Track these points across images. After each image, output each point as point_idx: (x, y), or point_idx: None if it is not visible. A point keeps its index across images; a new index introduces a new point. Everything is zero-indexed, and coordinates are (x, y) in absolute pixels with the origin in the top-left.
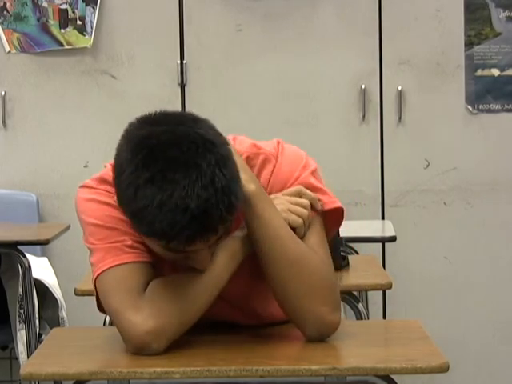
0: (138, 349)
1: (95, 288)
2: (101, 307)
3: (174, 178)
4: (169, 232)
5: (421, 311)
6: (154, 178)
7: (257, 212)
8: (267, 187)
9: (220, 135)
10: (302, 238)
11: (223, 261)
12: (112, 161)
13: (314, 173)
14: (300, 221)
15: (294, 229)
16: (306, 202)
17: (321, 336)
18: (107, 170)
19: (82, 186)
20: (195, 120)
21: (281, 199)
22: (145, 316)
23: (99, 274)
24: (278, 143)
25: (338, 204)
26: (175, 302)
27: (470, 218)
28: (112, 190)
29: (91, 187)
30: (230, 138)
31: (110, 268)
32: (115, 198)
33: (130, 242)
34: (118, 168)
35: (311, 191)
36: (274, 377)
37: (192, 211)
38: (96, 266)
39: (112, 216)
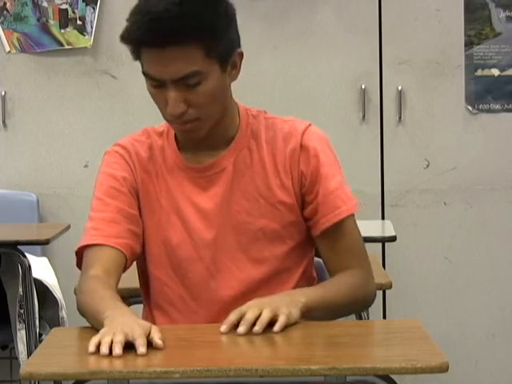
0: None
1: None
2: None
3: None
4: (136, 32)
5: (421, 311)
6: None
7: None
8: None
9: None
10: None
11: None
12: None
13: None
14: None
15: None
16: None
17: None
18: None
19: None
20: None
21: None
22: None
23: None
24: None
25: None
26: None
27: (470, 217)
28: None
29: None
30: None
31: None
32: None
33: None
34: None
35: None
36: (273, 377)
37: (152, 13)
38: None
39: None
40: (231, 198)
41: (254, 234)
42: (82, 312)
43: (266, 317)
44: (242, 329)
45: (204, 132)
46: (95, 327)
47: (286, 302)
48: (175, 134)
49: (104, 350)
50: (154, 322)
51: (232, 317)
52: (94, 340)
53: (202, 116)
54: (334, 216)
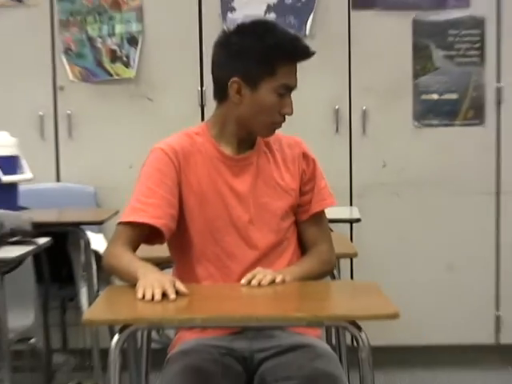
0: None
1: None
2: None
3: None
4: (294, 43)
5: (379, 276)
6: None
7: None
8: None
9: None
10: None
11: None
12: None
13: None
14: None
15: None
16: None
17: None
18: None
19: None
20: None
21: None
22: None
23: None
24: None
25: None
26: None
27: (416, 205)
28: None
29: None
30: None
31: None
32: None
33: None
34: (234, 51)
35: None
36: (269, 321)
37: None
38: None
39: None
40: (256, 185)
41: (273, 212)
42: (111, 270)
43: (269, 277)
44: (254, 282)
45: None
46: (126, 281)
47: (277, 273)
48: (212, 134)
49: (148, 296)
50: (195, 275)
51: (249, 276)
52: (140, 291)
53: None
54: (322, 204)
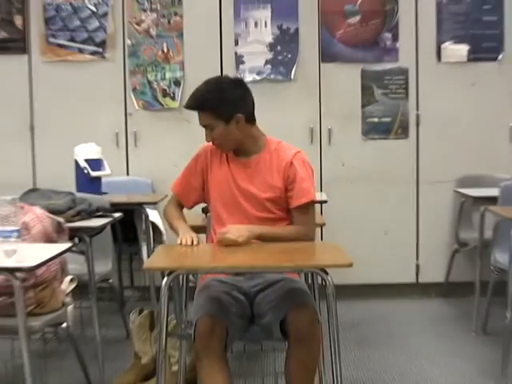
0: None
1: None
2: None
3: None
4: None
5: (340, 239)
6: None
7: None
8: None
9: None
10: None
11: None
12: None
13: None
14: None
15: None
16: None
17: None
18: None
19: None
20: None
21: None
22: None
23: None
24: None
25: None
26: None
27: (365, 191)
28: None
29: None
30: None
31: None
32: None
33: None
34: None
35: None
36: (267, 268)
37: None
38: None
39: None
40: (255, 180)
41: (263, 200)
42: (165, 217)
43: (231, 238)
44: (219, 236)
45: (227, 150)
46: (170, 227)
47: (247, 230)
48: None
49: (183, 243)
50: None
51: (223, 229)
52: (180, 240)
53: (219, 143)
54: (300, 200)
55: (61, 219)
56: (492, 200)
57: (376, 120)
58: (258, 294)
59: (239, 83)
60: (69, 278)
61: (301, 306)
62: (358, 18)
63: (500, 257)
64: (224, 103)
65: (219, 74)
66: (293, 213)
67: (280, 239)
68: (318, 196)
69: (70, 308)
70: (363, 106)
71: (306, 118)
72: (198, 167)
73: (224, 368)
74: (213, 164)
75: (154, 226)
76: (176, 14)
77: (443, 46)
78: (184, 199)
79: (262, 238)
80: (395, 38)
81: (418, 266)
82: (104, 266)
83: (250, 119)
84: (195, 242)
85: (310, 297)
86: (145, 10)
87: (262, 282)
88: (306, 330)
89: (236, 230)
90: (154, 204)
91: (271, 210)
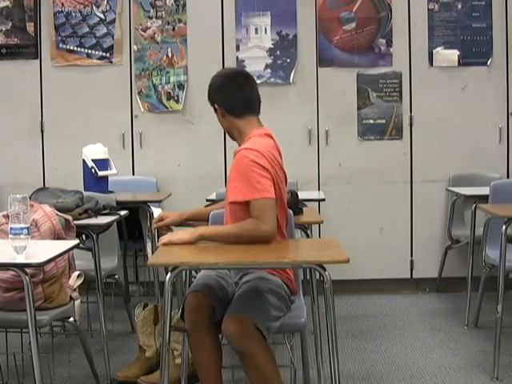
0: None
1: None
2: None
3: None
4: None
5: (337, 235)
6: None
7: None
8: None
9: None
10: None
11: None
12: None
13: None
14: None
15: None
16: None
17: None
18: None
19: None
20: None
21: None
22: None
23: None
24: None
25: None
26: None
27: (360, 190)
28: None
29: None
30: (264, 130)
31: None
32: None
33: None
34: None
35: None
36: (263, 264)
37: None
38: None
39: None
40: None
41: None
42: None
43: (172, 239)
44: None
45: (230, 137)
46: None
47: (187, 233)
48: None
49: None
50: None
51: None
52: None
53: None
54: (229, 198)
55: (69, 217)
56: (483, 198)
57: (371, 122)
58: (241, 286)
59: (232, 76)
60: (76, 273)
61: (233, 314)
62: (353, 24)
63: (491, 253)
64: (209, 90)
65: None
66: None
67: (224, 237)
68: (316, 194)
69: (77, 303)
70: (359, 108)
71: (304, 119)
72: None
73: (213, 342)
74: None
75: None
76: (180, 21)
77: (435, 51)
78: None
79: (207, 238)
80: (389, 43)
81: (412, 262)
82: (110, 262)
83: (233, 111)
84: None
85: (261, 305)
86: (150, 18)
87: (249, 280)
88: (233, 339)
89: (179, 234)
90: (158, 202)
91: (236, 212)
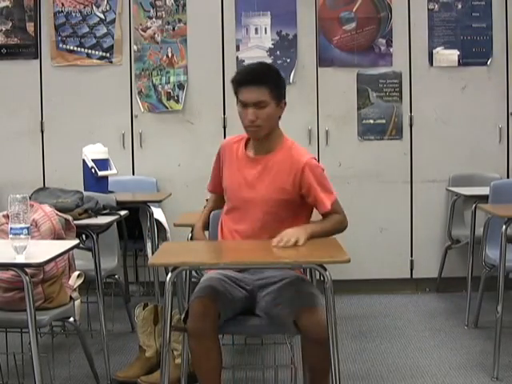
0: None
1: None
2: None
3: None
4: (240, 74)
5: (338, 236)
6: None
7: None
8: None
9: None
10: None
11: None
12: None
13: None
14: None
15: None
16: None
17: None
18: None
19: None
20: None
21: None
22: None
23: None
24: None
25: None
26: None
27: (360, 190)
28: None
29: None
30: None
31: None
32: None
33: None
34: None
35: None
36: (263, 264)
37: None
38: None
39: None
40: (265, 179)
41: (270, 200)
42: None
43: (293, 240)
44: (281, 244)
45: (261, 135)
46: None
47: (300, 233)
48: (245, 142)
49: None
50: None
51: (278, 238)
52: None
53: (260, 125)
54: (326, 204)
55: (69, 217)
56: (483, 198)
57: (371, 122)
58: (262, 288)
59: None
60: (76, 273)
61: (311, 307)
62: (353, 24)
63: (491, 253)
64: (281, 84)
65: (221, 78)
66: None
67: (328, 233)
68: None
69: (77, 303)
70: (359, 108)
71: (304, 119)
72: (217, 164)
73: (215, 348)
74: (225, 160)
75: (159, 224)
76: (180, 21)
77: (435, 51)
78: (218, 192)
79: (314, 235)
80: (389, 43)
81: (412, 262)
82: (110, 262)
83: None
84: None
85: (319, 297)
86: (150, 18)
87: (267, 277)
88: (315, 332)
89: (292, 233)
90: (158, 202)
91: (275, 211)
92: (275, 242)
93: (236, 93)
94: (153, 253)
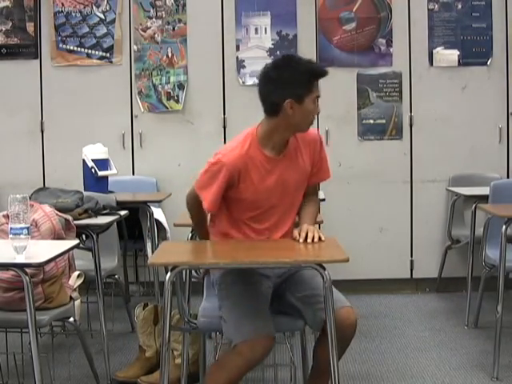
0: None
1: None
2: None
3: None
4: (315, 67)
5: (337, 235)
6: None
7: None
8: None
9: None
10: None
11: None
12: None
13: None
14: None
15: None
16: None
17: None
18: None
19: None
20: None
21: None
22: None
23: None
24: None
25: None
26: None
27: (360, 190)
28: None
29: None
30: None
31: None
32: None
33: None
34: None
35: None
36: (263, 263)
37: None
38: None
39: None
40: (285, 175)
41: (300, 185)
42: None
43: (317, 235)
44: (309, 240)
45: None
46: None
47: (316, 229)
48: (257, 141)
49: None
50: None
51: (302, 234)
52: None
53: None
54: (325, 175)
55: (69, 217)
56: (483, 198)
57: (371, 122)
58: (284, 281)
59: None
60: (76, 273)
61: (346, 306)
62: (353, 24)
63: (491, 253)
64: (274, 88)
65: (221, 78)
66: (310, 187)
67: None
68: None
69: (77, 303)
70: (359, 108)
71: None
72: (224, 184)
73: None
74: (245, 175)
75: (159, 224)
76: (180, 21)
77: (435, 51)
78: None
79: None
80: (389, 43)
81: (412, 262)
82: (110, 262)
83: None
84: None
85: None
86: (150, 18)
87: (285, 272)
88: (349, 331)
89: (312, 229)
90: (158, 202)
91: (299, 199)
92: (301, 239)
93: (310, 89)
94: (152, 253)
